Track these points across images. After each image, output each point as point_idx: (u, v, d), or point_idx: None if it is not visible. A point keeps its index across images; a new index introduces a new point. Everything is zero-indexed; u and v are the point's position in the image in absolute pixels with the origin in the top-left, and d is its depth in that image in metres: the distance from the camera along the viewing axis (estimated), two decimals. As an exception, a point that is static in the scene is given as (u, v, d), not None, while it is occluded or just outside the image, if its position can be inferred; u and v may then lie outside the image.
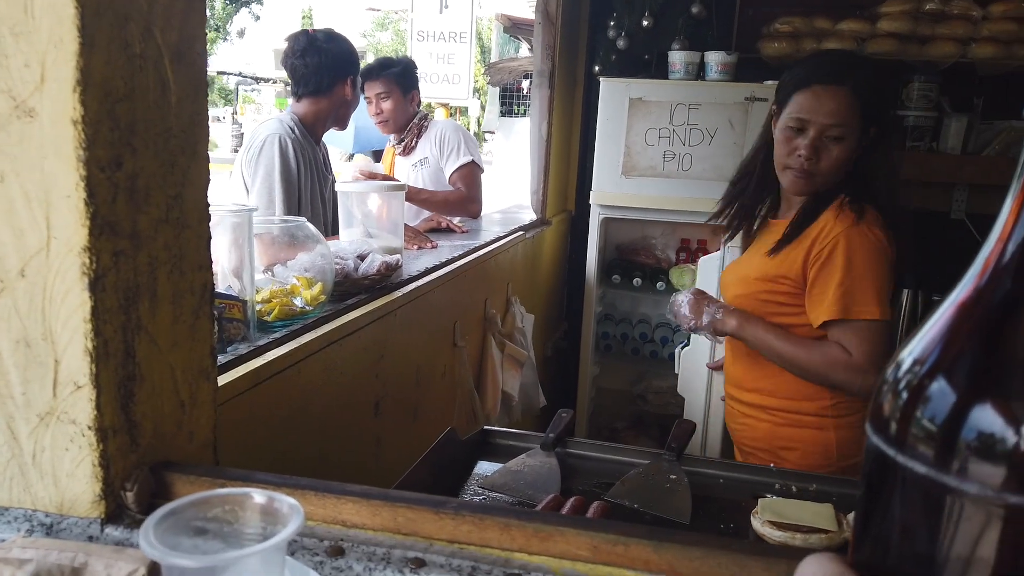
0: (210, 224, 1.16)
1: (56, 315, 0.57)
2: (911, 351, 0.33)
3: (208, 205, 0.68)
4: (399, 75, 2.76)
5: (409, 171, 2.86)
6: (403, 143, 2.82)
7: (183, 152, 0.64)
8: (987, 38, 2.57)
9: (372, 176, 2.28)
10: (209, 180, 0.68)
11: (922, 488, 0.30)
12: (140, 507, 0.61)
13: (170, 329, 0.65)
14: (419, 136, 2.83)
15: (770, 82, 2.66)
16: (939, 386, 0.31)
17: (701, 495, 1.16)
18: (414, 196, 2.64)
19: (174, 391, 0.66)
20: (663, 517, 1.09)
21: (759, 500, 1.09)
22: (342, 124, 2.37)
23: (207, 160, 0.68)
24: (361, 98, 2.55)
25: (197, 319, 0.68)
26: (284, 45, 2.32)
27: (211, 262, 0.69)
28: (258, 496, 0.46)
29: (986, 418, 0.29)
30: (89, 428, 0.59)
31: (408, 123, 2.81)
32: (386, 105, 2.74)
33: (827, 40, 2.70)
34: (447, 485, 1.18)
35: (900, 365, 0.33)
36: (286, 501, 0.45)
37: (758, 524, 1.03)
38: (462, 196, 2.75)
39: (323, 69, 2.21)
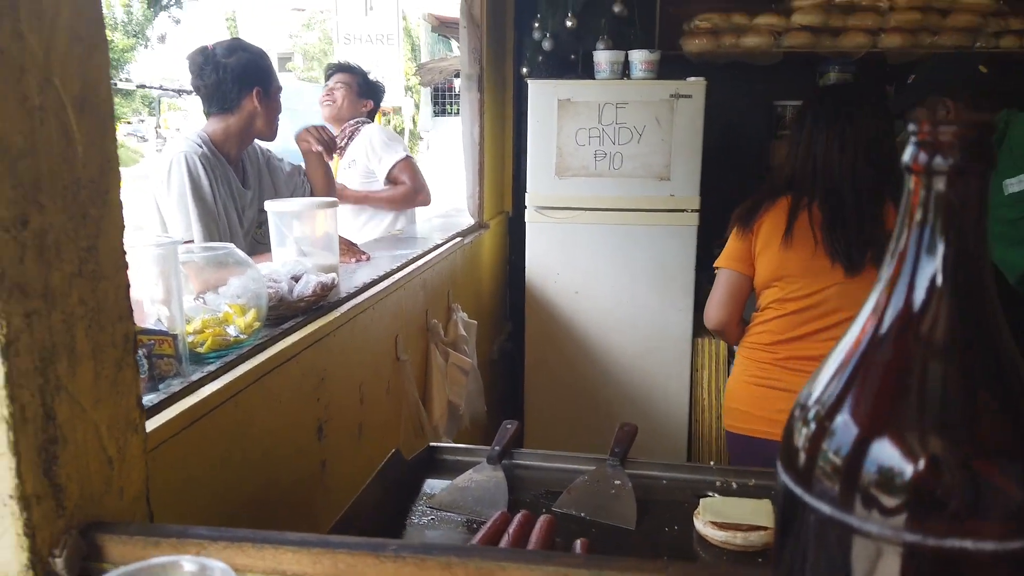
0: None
1: (-34, 384, 0.55)
2: (815, 395, 0.35)
3: (124, 253, 0.66)
4: (363, 79, 3.13)
5: (343, 171, 3.07)
6: (336, 138, 2.96)
7: (94, 202, 0.62)
8: (894, 28, 2.68)
9: (320, 133, 2.36)
10: (124, 227, 0.66)
11: (823, 526, 0.32)
12: (71, 572, 0.60)
13: (92, 386, 0.63)
14: (350, 139, 3.05)
15: (693, 78, 2.72)
16: (841, 424, 0.33)
17: (646, 498, 1.18)
18: (363, 200, 2.92)
19: (100, 449, 0.64)
20: (610, 524, 1.11)
21: (700, 500, 1.12)
22: (266, 135, 2.28)
23: (121, 207, 0.66)
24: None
25: (120, 371, 0.66)
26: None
27: (131, 311, 0.67)
28: (188, 564, 0.45)
29: (884, 454, 0.31)
30: (11, 497, 0.56)
31: (348, 119, 3.07)
32: (339, 95, 3.05)
33: (745, 35, 2.77)
34: (395, 507, 1.17)
35: (806, 408, 0.35)
36: (217, 567, 0.44)
37: (700, 525, 1.06)
38: (408, 190, 2.98)
39: (223, 85, 2.12)
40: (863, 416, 0.33)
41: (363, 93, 3.12)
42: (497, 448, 1.30)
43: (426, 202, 3.06)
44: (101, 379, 0.64)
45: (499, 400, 3.16)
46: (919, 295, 0.30)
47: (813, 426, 0.35)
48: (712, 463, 1.48)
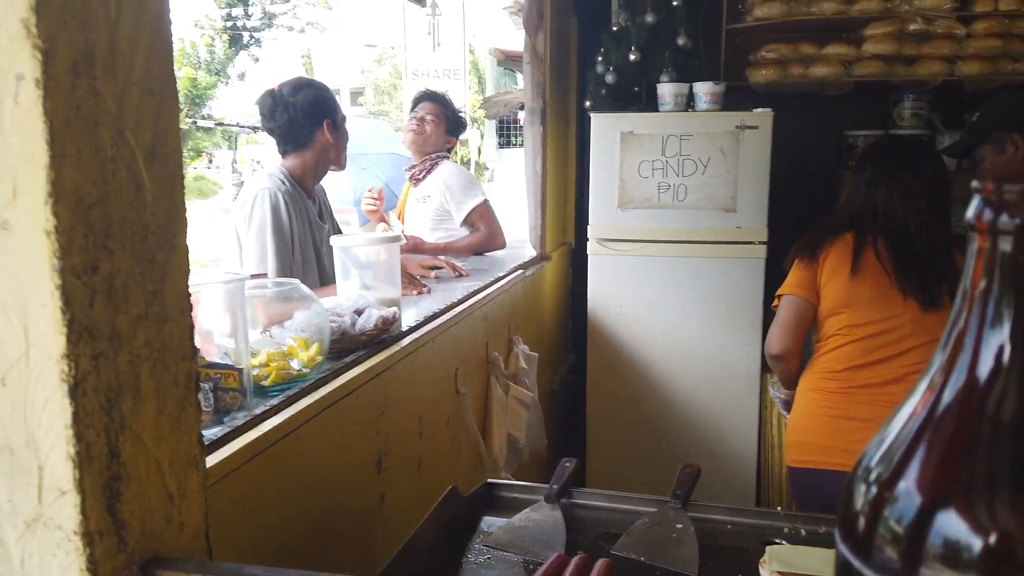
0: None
1: (38, 422, 0.57)
2: (875, 459, 0.33)
3: (189, 296, 0.69)
4: (454, 115, 3.07)
5: (416, 203, 3.05)
6: (415, 168, 3.03)
7: (161, 248, 0.65)
8: (972, 55, 2.58)
9: (434, 264, 2.42)
10: (189, 271, 0.69)
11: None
12: (130, 608, 0.61)
13: (155, 424, 0.65)
14: (429, 172, 3.00)
15: (759, 109, 2.68)
16: (904, 492, 0.31)
17: (709, 543, 1.15)
18: (441, 251, 2.84)
19: (162, 485, 0.66)
20: (671, 570, 1.08)
21: (767, 548, 1.07)
22: (337, 165, 2.38)
23: (187, 251, 0.68)
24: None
25: (183, 410, 0.68)
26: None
27: (195, 351, 0.69)
28: (238, 609, 0.46)
29: (951, 526, 0.29)
30: (75, 533, 0.58)
31: (431, 152, 3.01)
32: (427, 128, 2.98)
33: (814, 65, 2.72)
34: (452, 545, 1.17)
35: (867, 471, 0.33)
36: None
37: (766, 574, 1.02)
38: (484, 236, 2.93)
39: (295, 123, 2.21)
40: (928, 485, 0.31)
41: (450, 129, 3.07)
42: (555, 487, 1.28)
43: (501, 247, 2.98)
44: (164, 417, 0.66)
45: (561, 433, 3.13)
46: (985, 366, 0.28)
47: (873, 491, 0.33)
48: (779, 508, 1.43)
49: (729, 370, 2.82)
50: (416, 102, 3.09)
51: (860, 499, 0.33)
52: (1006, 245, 0.29)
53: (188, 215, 0.69)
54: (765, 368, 2.81)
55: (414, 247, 2.73)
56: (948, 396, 0.30)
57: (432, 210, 2.97)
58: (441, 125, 3.01)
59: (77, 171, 0.56)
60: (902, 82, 2.76)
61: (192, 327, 0.70)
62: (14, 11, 0.53)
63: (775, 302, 2.00)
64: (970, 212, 0.31)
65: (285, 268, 2.11)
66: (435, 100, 3.06)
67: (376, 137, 5.44)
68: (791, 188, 2.94)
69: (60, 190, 0.55)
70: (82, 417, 0.57)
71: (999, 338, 0.28)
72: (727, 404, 2.84)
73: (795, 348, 1.95)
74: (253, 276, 2.10)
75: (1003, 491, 0.29)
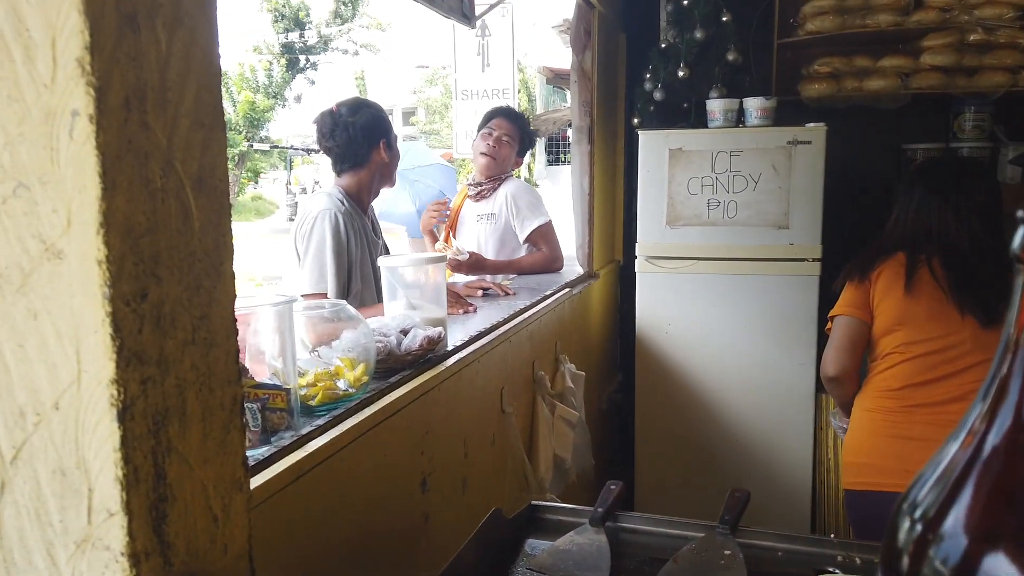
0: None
1: (88, 445, 0.59)
2: (920, 496, 0.32)
3: (235, 321, 0.70)
4: (528, 138, 2.99)
5: (474, 221, 2.95)
6: (482, 188, 2.92)
7: (208, 275, 0.67)
8: (1038, 64, 2.49)
9: (480, 286, 2.40)
10: (235, 296, 0.70)
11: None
12: (174, 628, 0.62)
13: (201, 446, 0.66)
14: (494, 191, 2.93)
15: (812, 124, 2.63)
16: (950, 532, 0.29)
17: (758, 571, 1.11)
18: (503, 268, 2.80)
19: (207, 507, 0.67)
20: (717, 599, 1.05)
21: (819, 577, 1.04)
22: (389, 182, 2.43)
23: (233, 277, 0.70)
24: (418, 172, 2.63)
25: (228, 433, 0.70)
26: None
27: (240, 375, 0.71)
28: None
29: (1000, 568, 0.28)
30: (122, 554, 0.60)
31: (500, 174, 2.93)
32: (504, 151, 2.88)
33: (869, 78, 2.66)
34: (495, 567, 1.16)
35: (913, 505, 0.32)
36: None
37: (817, 607, 0.98)
38: (546, 256, 2.88)
39: (354, 143, 2.27)
40: (976, 526, 0.30)
41: (522, 150, 2.96)
42: (600, 510, 1.27)
43: (560, 268, 2.91)
44: (209, 440, 0.67)
45: (608, 454, 3.10)
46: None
47: (918, 529, 0.32)
48: (832, 536, 1.39)
49: (782, 390, 2.75)
50: (490, 117, 2.93)
51: (904, 536, 0.32)
52: (1054, 280, 0.28)
53: (234, 241, 0.71)
54: (820, 388, 2.74)
55: (475, 263, 2.73)
56: (993, 438, 0.29)
57: (497, 228, 2.89)
58: (515, 146, 2.90)
59: (128, 201, 0.58)
60: (963, 94, 2.67)
61: (237, 351, 0.71)
62: (70, 51, 0.55)
63: (828, 324, 1.97)
64: (1016, 242, 0.30)
65: (343, 288, 2.15)
66: (511, 118, 2.92)
67: (412, 155, 5.63)
68: (846, 203, 2.87)
69: (111, 220, 0.57)
70: (130, 440, 0.59)
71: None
72: (780, 425, 2.77)
73: (852, 369, 1.91)
74: (310, 296, 2.15)
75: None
